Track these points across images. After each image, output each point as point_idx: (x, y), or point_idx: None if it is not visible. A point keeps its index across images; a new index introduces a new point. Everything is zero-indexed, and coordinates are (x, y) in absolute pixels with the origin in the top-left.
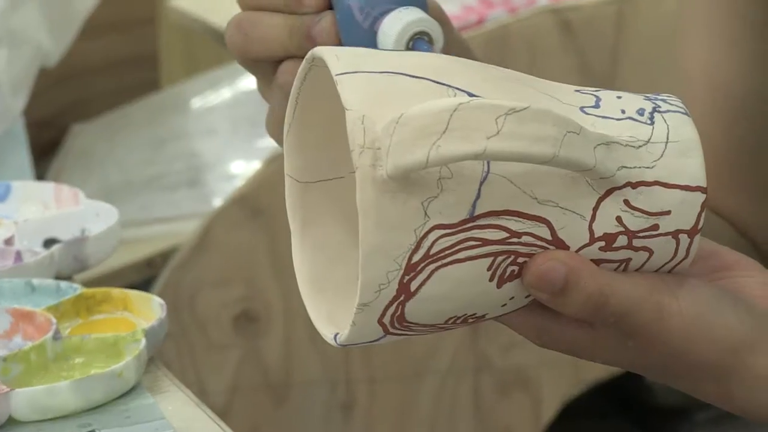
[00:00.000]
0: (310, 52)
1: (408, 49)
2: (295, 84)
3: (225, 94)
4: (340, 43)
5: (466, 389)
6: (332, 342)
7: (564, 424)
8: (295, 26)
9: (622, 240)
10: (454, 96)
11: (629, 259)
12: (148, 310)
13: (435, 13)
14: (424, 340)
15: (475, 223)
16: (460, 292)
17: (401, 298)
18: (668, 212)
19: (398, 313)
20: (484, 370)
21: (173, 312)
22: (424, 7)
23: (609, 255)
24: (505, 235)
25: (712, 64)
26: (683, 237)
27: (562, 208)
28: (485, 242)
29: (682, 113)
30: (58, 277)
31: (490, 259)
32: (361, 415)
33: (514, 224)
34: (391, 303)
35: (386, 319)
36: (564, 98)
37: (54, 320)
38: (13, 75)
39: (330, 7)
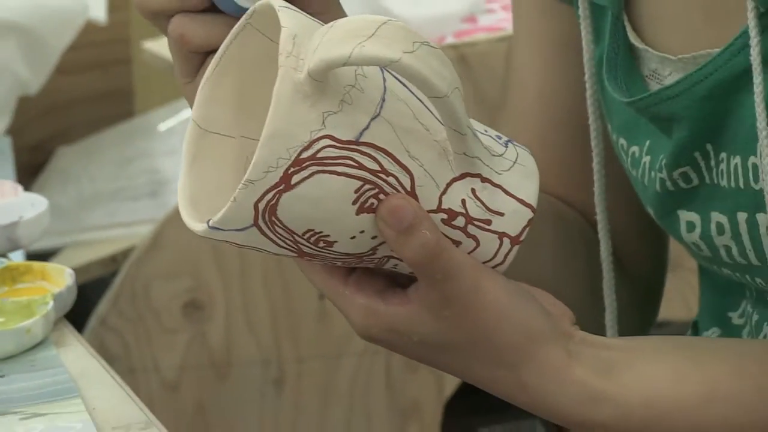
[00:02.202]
0: (251, 7)
1: None
2: (225, 42)
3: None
4: None
5: (379, 368)
6: (203, 229)
7: (465, 396)
8: None
9: (460, 221)
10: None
11: (459, 242)
12: (62, 279)
13: None
14: (345, 323)
15: (358, 147)
16: (327, 203)
17: (281, 187)
18: (502, 214)
19: (273, 202)
20: None
21: (131, 300)
22: None
23: (446, 230)
24: (377, 167)
25: (542, 75)
26: (506, 241)
27: (425, 170)
28: (361, 166)
29: (529, 153)
30: None
31: (360, 183)
32: (291, 390)
33: (387, 163)
34: (272, 188)
35: (261, 205)
36: None
37: None
38: None
39: None
